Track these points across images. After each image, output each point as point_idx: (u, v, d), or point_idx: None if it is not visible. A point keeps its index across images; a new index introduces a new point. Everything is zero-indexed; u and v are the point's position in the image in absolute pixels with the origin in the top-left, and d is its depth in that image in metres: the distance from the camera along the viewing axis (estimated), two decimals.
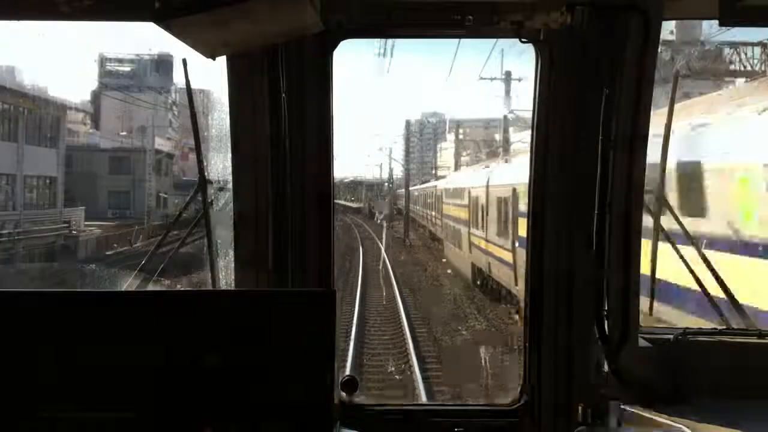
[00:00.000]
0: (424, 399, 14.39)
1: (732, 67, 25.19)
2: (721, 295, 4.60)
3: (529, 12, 3.83)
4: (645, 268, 4.21)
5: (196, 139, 4.48)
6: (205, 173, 4.43)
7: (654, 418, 3.50)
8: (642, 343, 3.89)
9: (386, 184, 69.23)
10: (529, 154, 4.22)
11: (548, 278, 4.16)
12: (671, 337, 4.02)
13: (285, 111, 3.93)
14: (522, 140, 35.18)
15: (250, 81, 3.90)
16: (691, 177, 11.84)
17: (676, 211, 5.16)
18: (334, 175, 4.29)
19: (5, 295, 3.57)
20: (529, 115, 4.45)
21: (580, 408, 3.84)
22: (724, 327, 4.36)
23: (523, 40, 3.98)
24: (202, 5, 2.86)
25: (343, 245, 39.14)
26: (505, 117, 40.40)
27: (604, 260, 3.78)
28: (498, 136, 48.29)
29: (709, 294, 5.21)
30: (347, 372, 14.34)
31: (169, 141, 56.80)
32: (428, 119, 77.86)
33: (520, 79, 37.35)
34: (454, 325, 21.04)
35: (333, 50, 4.05)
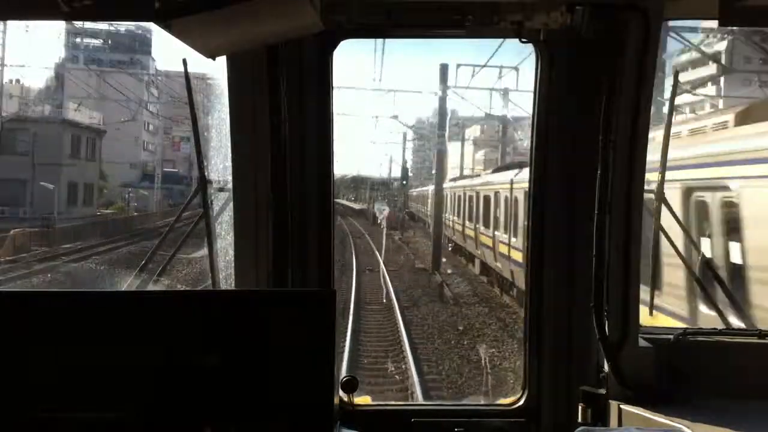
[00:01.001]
0: None
1: None
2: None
3: (529, 12, 3.83)
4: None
5: (196, 139, 4.48)
6: (205, 173, 4.43)
7: (654, 418, 3.50)
8: (642, 343, 3.89)
9: (400, 182, 50.73)
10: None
11: (548, 278, 4.16)
12: (671, 337, 4.02)
13: (285, 111, 3.93)
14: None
15: (250, 81, 3.91)
16: None
17: None
18: (334, 172, 4.30)
19: (5, 295, 3.57)
20: None
21: (580, 408, 3.84)
22: (724, 327, 4.36)
23: (523, 40, 3.98)
24: (202, 5, 2.86)
25: None
26: None
27: (604, 260, 3.78)
28: None
29: (709, 294, 5.22)
30: None
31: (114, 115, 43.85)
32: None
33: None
34: None
35: (333, 50, 4.06)
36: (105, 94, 42.00)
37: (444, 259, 28.54)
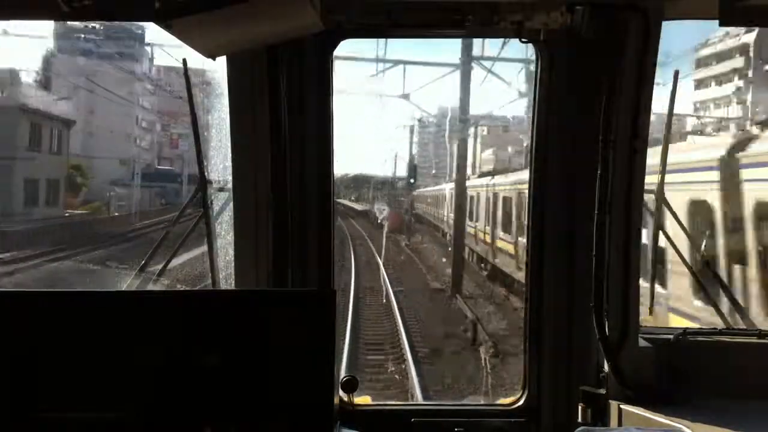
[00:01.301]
0: None
1: None
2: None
3: (529, 12, 3.83)
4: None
5: (196, 139, 4.48)
6: (206, 173, 4.43)
7: (654, 418, 3.50)
8: (642, 343, 3.89)
9: (406, 180, 42.09)
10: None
11: (548, 278, 4.16)
12: (671, 337, 4.02)
13: (285, 111, 3.93)
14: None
15: (250, 81, 3.91)
16: None
17: None
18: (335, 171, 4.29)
19: (6, 294, 3.57)
20: None
21: (580, 408, 3.84)
22: (724, 327, 4.37)
23: (523, 40, 3.98)
24: (202, 5, 2.86)
25: None
26: None
27: (604, 260, 3.78)
28: None
29: (709, 294, 5.22)
30: None
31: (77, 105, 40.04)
32: None
33: None
34: None
35: (333, 50, 4.06)
36: (94, 86, 39.41)
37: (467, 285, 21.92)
